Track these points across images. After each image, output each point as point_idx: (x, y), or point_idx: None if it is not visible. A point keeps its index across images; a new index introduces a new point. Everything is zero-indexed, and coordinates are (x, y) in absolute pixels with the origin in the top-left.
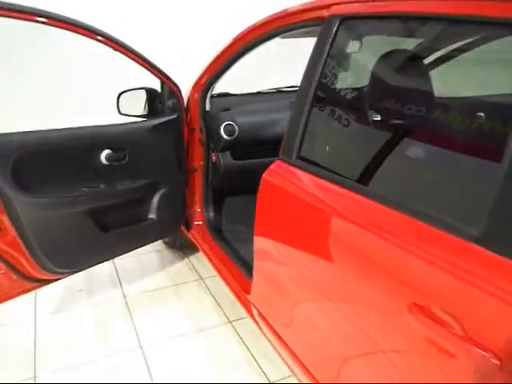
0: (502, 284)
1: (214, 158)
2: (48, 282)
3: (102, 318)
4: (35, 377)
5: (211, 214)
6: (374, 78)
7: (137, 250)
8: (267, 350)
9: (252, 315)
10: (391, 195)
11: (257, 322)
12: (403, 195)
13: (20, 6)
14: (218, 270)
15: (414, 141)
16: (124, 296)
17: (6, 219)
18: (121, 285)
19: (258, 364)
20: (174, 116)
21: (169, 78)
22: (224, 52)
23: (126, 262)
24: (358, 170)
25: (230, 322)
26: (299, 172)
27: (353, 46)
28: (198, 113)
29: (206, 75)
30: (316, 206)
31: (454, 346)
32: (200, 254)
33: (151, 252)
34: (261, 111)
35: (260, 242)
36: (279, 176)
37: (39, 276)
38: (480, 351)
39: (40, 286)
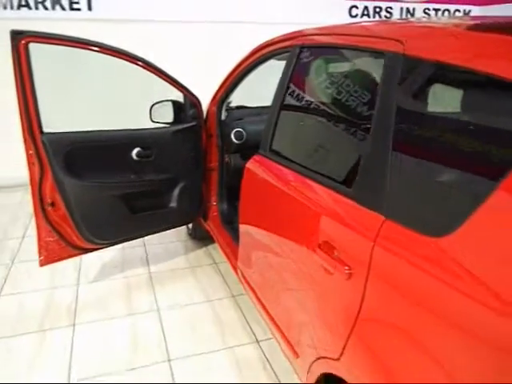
0: (358, 222)
1: (227, 159)
2: (88, 250)
3: (130, 286)
4: (74, 324)
5: (224, 207)
6: (318, 91)
7: (164, 239)
8: (258, 318)
9: (237, 275)
10: (314, 172)
11: (241, 280)
12: (326, 172)
13: (85, 39)
14: (224, 251)
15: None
16: (149, 273)
17: (58, 197)
18: (148, 265)
19: (250, 327)
20: (194, 123)
21: (190, 92)
22: (231, 73)
23: (155, 248)
24: (305, 157)
25: (234, 296)
26: (269, 161)
27: (307, 66)
28: (214, 122)
29: (220, 91)
30: (274, 185)
31: (333, 267)
32: (217, 244)
33: (176, 242)
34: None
35: (242, 217)
36: (256, 165)
37: (81, 245)
38: (342, 267)
39: (82, 254)
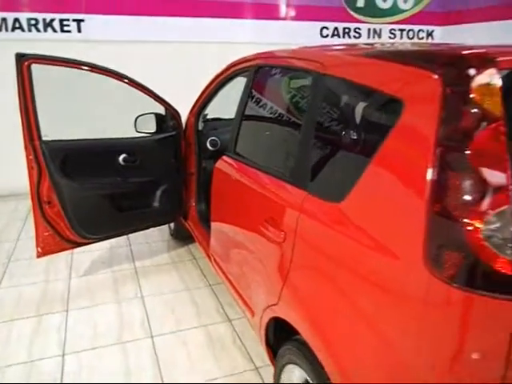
0: (291, 198)
1: (204, 164)
2: (80, 244)
3: (116, 279)
4: (67, 310)
5: (202, 207)
6: (268, 103)
7: (148, 239)
8: (231, 301)
9: (210, 259)
10: (267, 166)
11: (212, 264)
12: (272, 165)
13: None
14: (200, 243)
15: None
16: (135, 267)
17: (54, 197)
18: (134, 261)
19: (223, 309)
20: (174, 133)
21: (170, 105)
22: (206, 88)
23: (140, 246)
24: (258, 155)
25: (210, 285)
26: (233, 160)
27: (261, 83)
28: (193, 131)
29: (197, 104)
30: (236, 178)
31: (274, 234)
32: (196, 243)
33: (159, 241)
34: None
35: (212, 207)
36: (222, 163)
37: (74, 239)
38: (279, 233)
39: (74, 247)
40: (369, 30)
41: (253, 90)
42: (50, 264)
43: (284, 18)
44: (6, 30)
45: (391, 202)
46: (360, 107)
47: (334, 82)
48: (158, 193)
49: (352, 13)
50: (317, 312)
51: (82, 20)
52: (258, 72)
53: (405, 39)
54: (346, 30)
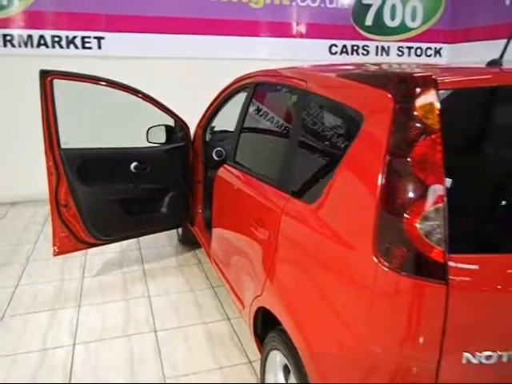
0: (276, 200)
1: (210, 173)
2: (93, 245)
3: (126, 279)
4: (80, 306)
5: (208, 213)
6: (264, 117)
7: (157, 244)
8: (231, 302)
9: (211, 261)
10: (260, 173)
11: (212, 263)
12: (264, 172)
13: (96, 76)
14: (204, 247)
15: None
16: (143, 269)
17: (70, 200)
18: (142, 263)
19: (224, 309)
20: (182, 144)
21: (180, 118)
22: (212, 103)
23: (149, 251)
24: (253, 163)
25: (213, 287)
26: (232, 168)
27: (258, 98)
28: (200, 142)
29: (205, 117)
30: (233, 184)
31: (260, 232)
32: (202, 248)
33: (168, 246)
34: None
35: (213, 211)
36: (223, 171)
37: (88, 240)
38: (265, 231)
39: (88, 248)
40: (377, 47)
41: (251, 105)
42: (65, 264)
43: (294, 36)
44: (32, 46)
45: (352, 201)
46: (332, 120)
47: (314, 98)
48: (166, 199)
49: (360, 31)
50: (292, 300)
51: (103, 37)
52: (256, 88)
53: (413, 57)
54: (355, 48)
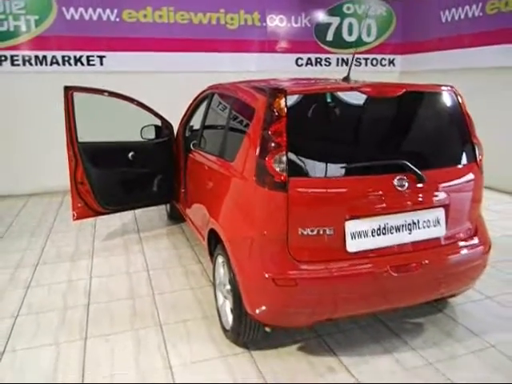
0: (221, 165)
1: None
2: (101, 213)
3: (126, 242)
4: (93, 258)
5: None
6: (217, 117)
7: (151, 219)
8: (204, 253)
9: (187, 219)
10: (211, 150)
11: (183, 216)
12: (213, 149)
13: (104, 89)
14: (183, 213)
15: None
16: (139, 236)
17: (85, 179)
18: (139, 232)
19: (198, 258)
20: (166, 139)
21: (165, 120)
22: (188, 108)
23: (144, 224)
24: (210, 146)
25: (191, 246)
26: (197, 151)
27: (218, 104)
28: (181, 137)
29: (184, 119)
30: (198, 161)
31: (210, 185)
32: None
33: (159, 221)
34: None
35: (186, 182)
36: (192, 153)
37: (98, 209)
38: (211, 182)
39: (98, 215)
40: (337, 59)
41: (209, 108)
42: (79, 233)
43: (265, 51)
44: (46, 64)
45: (247, 156)
46: (243, 112)
47: (235, 100)
48: (156, 181)
49: (322, 45)
50: (221, 216)
51: (104, 56)
52: (211, 97)
53: (369, 66)
54: (318, 60)
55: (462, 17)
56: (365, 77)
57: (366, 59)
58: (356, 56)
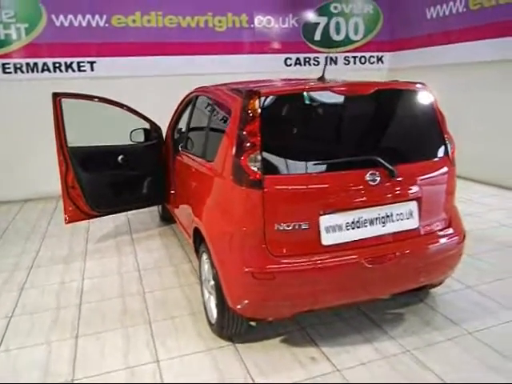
0: (204, 166)
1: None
2: (92, 216)
3: (118, 244)
4: (86, 260)
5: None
6: (200, 119)
7: (142, 221)
8: (191, 251)
9: (176, 219)
10: (195, 152)
11: (174, 218)
12: (196, 151)
13: (93, 95)
14: (173, 213)
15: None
16: (132, 237)
17: (76, 183)
18: (131, 234)
19: (189, 257)
20: (155, 141)
21: (154, 123)
22: (176, 111)
23: (136, 226)
24: (195, 148)
25: (182, 245)
26: (184, 152)
27: (201, 106)
28: (169, 140)
29: (172, 122)
30: (184, 162)
31: (194, 185)
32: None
33: (151, 222)
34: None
35: (174, 183)
36: (179, 155)
37: (89, 212)
38: (195, 182)
39: (89, 218)
40: (326, 57)
41: (193, 110)
42: (72, 238)
43: (254, 52)
44: (37, 71)
45: (225, 155)
46: (221, 113)
47: (215, 102)
48: (146, 183)
49: (311, 45)
50: (204, 215)
51: (95, 62)
52: (195, 99)
53: (358, 64)
54: (307, 60)
55: (447, 13)
56: (353, 75)
57: (355, 57)
58: (344, 54)
